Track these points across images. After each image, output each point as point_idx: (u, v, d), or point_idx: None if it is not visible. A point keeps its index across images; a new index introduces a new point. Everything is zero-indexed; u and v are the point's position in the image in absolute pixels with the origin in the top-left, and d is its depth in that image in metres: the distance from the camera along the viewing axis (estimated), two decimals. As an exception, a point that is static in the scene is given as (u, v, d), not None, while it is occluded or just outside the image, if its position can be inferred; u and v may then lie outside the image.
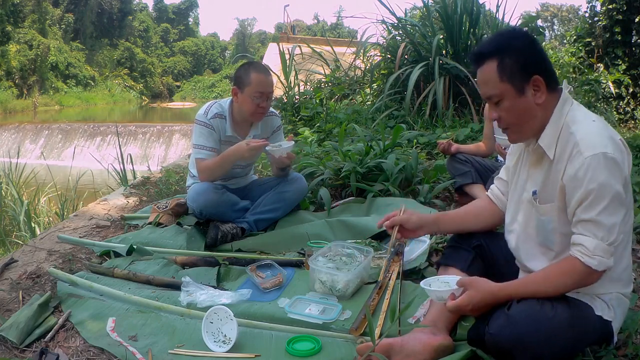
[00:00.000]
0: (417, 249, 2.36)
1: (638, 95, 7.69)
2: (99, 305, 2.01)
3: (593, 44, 8.03)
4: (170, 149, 12.09)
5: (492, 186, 1.83)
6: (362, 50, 7.71)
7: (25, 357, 1.70)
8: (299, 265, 2.37)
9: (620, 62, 7.70)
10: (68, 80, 31.50)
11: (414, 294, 1.94)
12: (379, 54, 7.35)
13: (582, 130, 1.43)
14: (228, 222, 2.71)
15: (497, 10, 6.44)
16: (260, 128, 2.83)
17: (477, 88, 5.39)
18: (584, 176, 1.37)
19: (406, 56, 6.16)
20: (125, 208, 3.37)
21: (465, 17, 5.83)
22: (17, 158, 5.62)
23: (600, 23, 8.00)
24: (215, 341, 1.74)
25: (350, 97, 7.09)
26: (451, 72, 5.62)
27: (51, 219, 4.59)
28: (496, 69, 1.46)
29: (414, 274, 2.21)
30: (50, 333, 1.81)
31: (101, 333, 1.82)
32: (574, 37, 8.48)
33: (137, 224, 2.99)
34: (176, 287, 2.14)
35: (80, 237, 2.76)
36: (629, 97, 7.61)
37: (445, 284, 1.58)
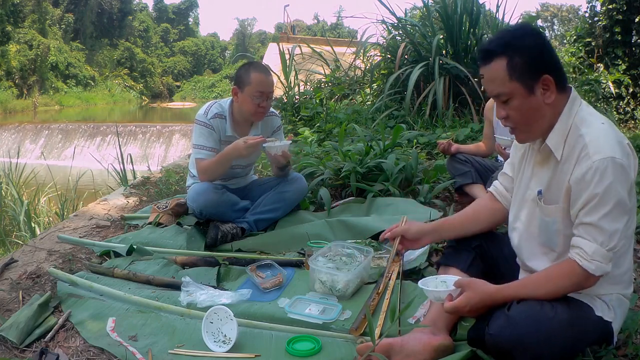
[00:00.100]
0: (417, 249, 2.36)
1: (638, 95, 7.69)
2: (99, 305, 2.01)
3: (593, 44, 8.03)
4: (170, 149, 12.09)
5: (495, 182, 1.80)
6: (362, 50, 7.71)
7: (25, 357, 1.70)
8: (299, 265, 2.37)
9: (620, 62, 7.70)
10: (68, 80, 31.50)
11: (414, 294, 1.94)
12: (379, 54, 7.36)
13: (591, 132, 1.41)
14: (228, 222, 2.71)
15: (497, 10, 6.45)
16: (260, 128, 2.83)
17: (477, 88, 5.41)
18: (590, 179, 1.36)
19: (406, 56, 6.16)
20: (125, 208, 3.37)
21: (465, 17, 5.83)
22: (17, 158, 5.62)
23: (600, 23, 8.01)
24: (215, 341, 1.74)
25: (350, 97, 7.09)
26: (451, 72, 5.62)
27: (51, 219, 4.59)
28: (505, 67, 1.43)
29: (414, 274, 2.21)
30: (50, 333, 1.81)
31: (101, 333, 1.82)
32: (574, 37, 8.48)
33: (137, 224, 2.99)
34: (176, 287, 2.14)
35: (80, 237, 2.76)
36: (629, 97, 7.62)
37: (443, 284, 1.58)
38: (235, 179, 2.98)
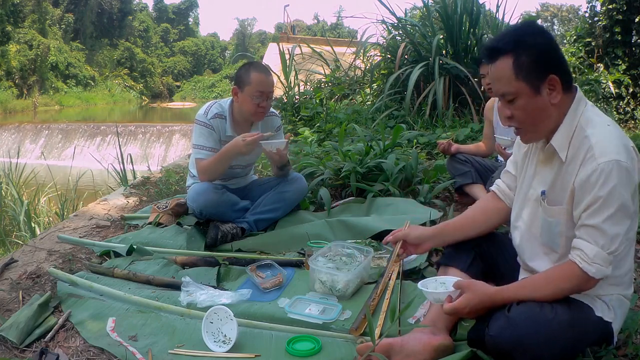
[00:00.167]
0: (418, 254, 2.35)
1: (638, 95, 7.70)
2: (99, 305, 2.01)
3: (593, 44, 8.03)
4: (170, 149, 12.09)
5: (497, 181, 1.79)
6: (362, 50, 7.71)
7: (25, 357, 1.70)
8: (299, 265, 2.37)
9: (620, 62, 7.71)
10: (68, 80, 31.50)
11: (414, 294, 1.94)
12: (379, 54, 7.36)
13: (597, 133, 1.40)
14: (228, 222, 2.71)
15: (497, 10, 6.46)
16: (260, 128, 2.83)
17: (477, 88, 5.41)
18: (595, 182, 1.35)
19: (406, 56, 6.16)
20: (125, 208, 3.37)
21: (465, 17, 5.83)
22: (17, 158, 5.62)
23: (600, 23, 8.01)
24: (215, 341, 1.74)
25: (350, 97, 7.10)
26: (451, 72, 5.62)
27: (51, 219, 4.59)
28: (512, 66, 1.41)
29: (414, 274, 2.21)
30: (50, 333, 1.81)
31: (101, 333, 1.82)
32: (574, 37, 8.49)
33: (137, 224, 2.99)
34: (176, 287, 2.14)
35: (80, 237, 2.76)
36: (629, 97, 7.62)
37: (442, 285, 1.58)
38: (235, 179, 2.98)
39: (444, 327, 1.61)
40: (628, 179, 1.35)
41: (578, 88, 1.49)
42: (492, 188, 1.79)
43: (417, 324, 1.77)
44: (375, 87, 6.93)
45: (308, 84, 7.55)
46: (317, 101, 6.34)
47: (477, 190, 3.11)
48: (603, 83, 7.42)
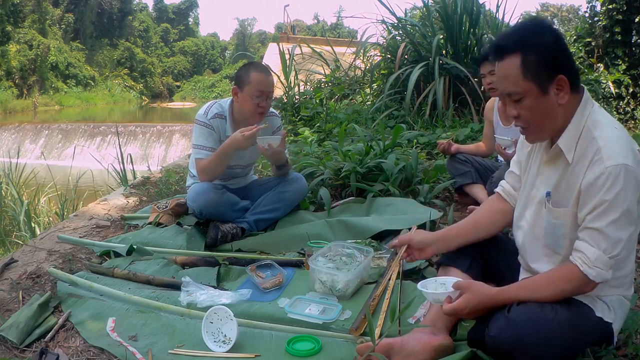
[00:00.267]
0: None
1: (638, 95, 7.70)
2: (99, 305, 2.01)
3: (593, 44, 8.03)
4: (170, 149, 12.09)
5: (502, 182, 1.77)
6: (362, 50, 7.71)
7: (25, 357, 1.70)
8: (299, 265, 2.37)
9: (620, 62, 7.71)
10: (68, 80, 31.50)
11: (414, 294, 1.93)
12: (379, 54, 7.36)
13: (604, 136, 1.38)
14: (228, 222, 2.71)
15: (497, 10, 6.47)
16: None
17: (477, 88, 5.41)
18: (602, 185, 1.34)
19: (406, 56, 6.17)
20: (125, 208, 3.37)
21: (465, 17, 5.83)
22: (17, 158, 5.62)
23: (600, 23, 8.01)
24: (215, 341, 1.74)
25: (350, 97, 7.10)
26: (451, 72, 5.62)
27: (51, 219, 4.59)
28: (520, 66, 1.39)
29: (414, 274, 2.21)
30: (50, 333, 1.81)
31: (101, 333, 1.82)
32: (574, 37, 8.48)
33: (137, 224, 2.99)
34: (176, 287, 2.14)
35: (80, 237, 2.76)
36: (629, 97, 7.62)
37: (442, 286, 1.58)
38: (235, 179, 2.98)
39: (444, 327, 1.61)
40: (635, 184, 1.34)
41: (585, 88, 1.47)
42: (497, 189, 1.78)
43: (417, 324, 1.77)
44: (375, 87, 6.93)
45: (308, 84, 7.55)
46: (317, 101, 6.34)
47: (477, 190, 3.11)
48: (603, 83, 7.42)
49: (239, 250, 2.58)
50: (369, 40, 7.63)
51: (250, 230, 2.77)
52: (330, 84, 7.61)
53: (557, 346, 1.36)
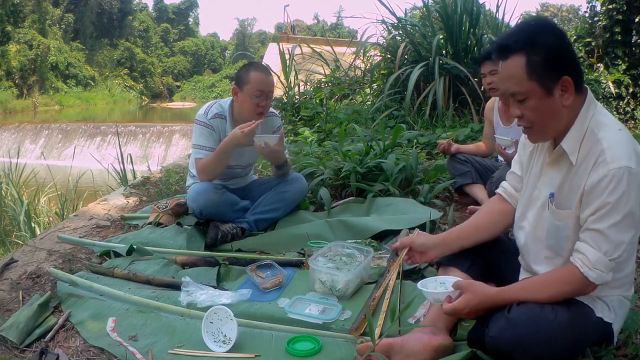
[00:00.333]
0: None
1: (638, 95, 7.69)
2: (99, 305, 2.01)
3: (593, 44, 8.03)
4: (170, 149, 12.10)
5: (503, 183, 1.76)
6: (362, 50, 7.72)
7: (25, 357, 1.70)
8: (299, 265, 2.37)
9: (620, 62, 7.71)
10: (68, 80, 31.51)
11: (414, 294, 1.93)
12: (379, 54, 7.36)
13: (609, 138, 1.38)
14: (228, 222, 2.71)
15: (497, 10, 6.48)
16: (260, 128, 2.82)
17: (476, 88, 5.41)
18: (605, 187, 1.34)
19: (406, 56, 6.17)
20: (125, 208, 3.37)
21: (465, 17, 5.84)
22: (17, 158, 5.62)
23: (600, 23, 8.00)
24: (215, 341, 1.74)
25: (350, 97, 7.10)
26: (451, 72, 5.62)
27: (51, 219, 4.59)
28: (524, 66, 1.37)
29: (414, 274, 2.21)
30: (50, 333, 1.81)
31: (101, 333, 1.82)
32: (574, 37, 8.48)
33: (137, 224, 2.99)
34: (176, 287, 2.14)
35: (80, 237, 2.76)
36: (629, 97, 7.62)
37: (441, 285, 1.57)
38: (235, 179, 2.98)
39: (444, 327, 1.61)
40: (638, 186, 1.34)
41: (588, 89, 1.46)
42: (498, 190, 1.77)
43: (417, 324, 1.77)
44: (375, 87, 6.94)
45: (308, 84, 7.55)
46: (317, 101, 6.34)
47: (477, 190, 3.11)
48: (603, 83, 7.41)
49: (239, 250, 2.58)
50: (369, 40, 7.64)
51: (250, 230, 2.77)
52: (330, 84, 7.61)
53: (557, 346, 1.36)
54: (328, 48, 8.43)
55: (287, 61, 6.87)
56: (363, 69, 7.62)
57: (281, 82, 6.59)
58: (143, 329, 1.86)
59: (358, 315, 1.84)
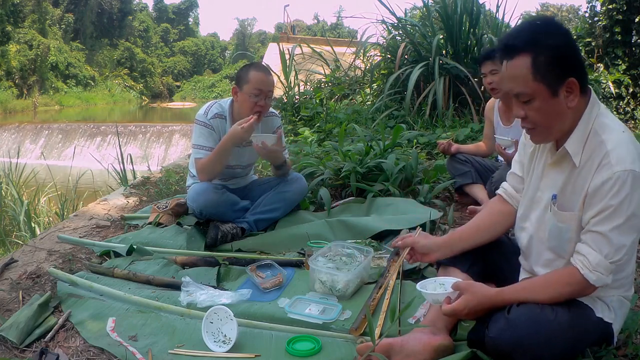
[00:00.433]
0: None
1: (638, 95, 7.69)
2: (99, 305, 2.01)
3: (593, 44, 8.03)
4: (170, 149, 12.09)
5: (503, 184, 1.75)
6: (362, 50, 7.72)
7: (25, 357, 1.70)
8: (299, 265, 2.37)
9: (620, 62, 7.70)
10: (68, 80, 31.50)
11: (414, 294, 1.92)
12: (379, 54, 7.36)
13: (612, 140, 1.36)
14: (228, 222, 2.71)
15: (497, 10, 6.48)
16: (260, 128, 2.83)
17: (476, 88, 5.41)
18: (609, 190, 1.33)
19: (406, 56, 6.17)
20: (125, 208, 3.37)
21: (465, 17, 5.84)
22: (17, 158, 5.62)
23: (600, 23, 8.00)
24: (215, 341, 1.74)
25: (350, 97, 7.10)
26: (451, 72, 5.62)
27: (51, 219, 4.59)
28: (530, 66, 1.35)
29: (414, 274, 2.21)
30: (50, 333, 1.81)
31: (101, 333, 1.82)
32: (574, 37, 8.47)
33: (137, 224, 2.99)
34: (176, 287, 2.14)
35: (80, 237, 2.76)
36: (629, 97, 7.61)
37: (441, 286, 1.57)
38: (235, 179, 2.98)
39: (444, 327, 1.61)
40: None
41: (592, 90, 1.45)
42: (499, 191, 1.76)
43: (417, 324, 1.77)
44: (375, 87, 6.94)
45: (308, 84, 7.55)
46: (317, 101, 6.34)
47: (477, 190, 3.11)
48: (603, 83, 7.41)
49: (239, 250, 2.58)
50: (369, 40, 7.64)
51: (250, 230, 2.77)
52: (330, 84, 7.61)
53: (557, 347, 1.36)
54: (328, 48, 8.43)
55: (287, 61, 6.87)
56: (363, 69, 7.62)
57: (281, 82, 6.59)
58: (143, 329, 1.86)
59: (358, 315, 1.84)
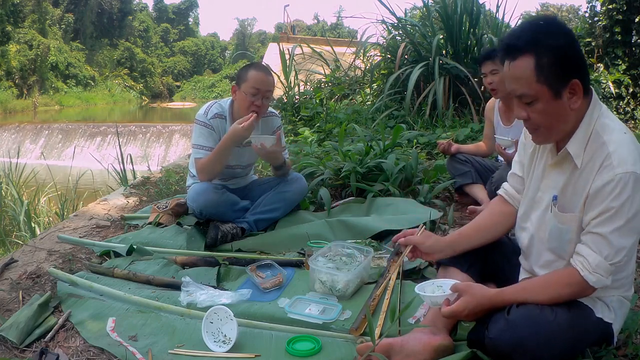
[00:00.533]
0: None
1: (638, 95, 7.69)
2: (99, 305, 2.01)
3: (593, 44, 8.02)
4: (170, 149, 12.10)
5: (504, 184, 1.75)
6: (362, 50, 7.72)
7: (25, 357, 1.70)
8: (299, 265, 2.37)
9: (620, 62, 7.70)
10: (68, 80, 31.50)
11: (414, 294, 1.92)
12: (379, 54, 7.36)
13: (614, 141, 1.36)
14: (228, 222, 2.71)
15: (497, 10, 6.48)
16: (260, 128, 2.83)
17: (476, 88, 5.41)
18: (610, 192, 1.33)
19: (406, 56, 6.17)
20: (125, 208, 3.37)
21: (465, 17, 5.84)
22: (17, 158, 5.62)
23: (600, 23, 8.00)
24: (215, 341, 1.74)
25: (350, 97, 7.10)
26: (451, 72, 5.62)
27: (51, 219, 4.59)
28: (533, 68, 1.33)
29: (414, 274, 2.21)
30: (50, 333, 1.81)
31: (101, 333, 1.82)
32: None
33: (137, 224, 2.99)
34: (176, 287, 2.14)
35: (80, 237, 2.76)
36: (629, 97, 7.61)
37: (439, 288, 1.57)
38: (235, 179, 2.98)
39: (444, 327, 1.61)
40: None
41: (593, 91, 1.44)
42: (499, 192, 1.76)
43: (417, 324, 1.77)
44: (375, 87, 6.94)
45: (308, 84, 7.55)
46: (317, 101, 6.34)
47: (477, 190, 3.11)
48: (603, 83, 7.41)
49: (239, 250, 2.58)
50: (369, 40, 7.64)
51: (250, 230, 2.77)
52: (330, 84, 7.61)
53: (557, 347, 1.36)
54: (328, 48, 8.43)
55: (287, 61, 6.87)
56: (363, 69, 7.62)
57: (281, 82, 6.59)
58: (143, 329, 1.86)
59: (358, 315, 1.84)
